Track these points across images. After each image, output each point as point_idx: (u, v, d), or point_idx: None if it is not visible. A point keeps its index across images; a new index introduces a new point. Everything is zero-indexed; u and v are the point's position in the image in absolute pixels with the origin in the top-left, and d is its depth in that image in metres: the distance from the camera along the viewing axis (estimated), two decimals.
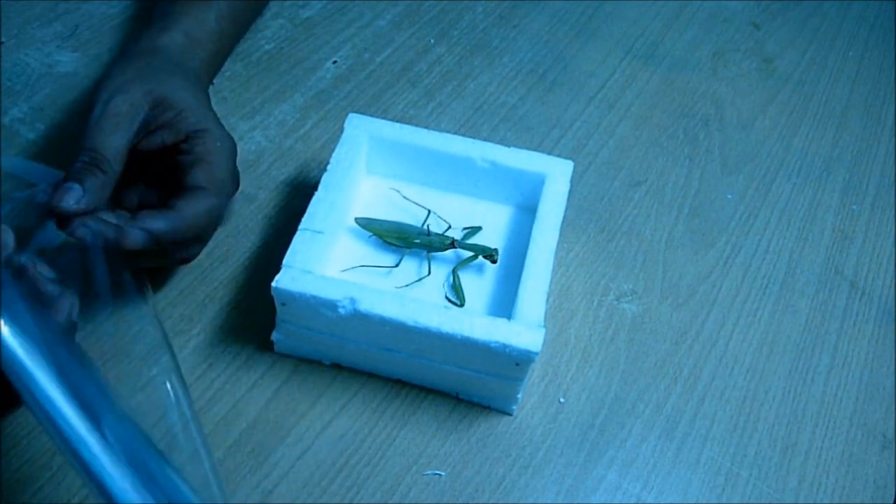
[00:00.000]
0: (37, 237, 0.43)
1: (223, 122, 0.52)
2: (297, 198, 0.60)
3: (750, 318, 0.58)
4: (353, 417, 0.50)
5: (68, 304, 0.39)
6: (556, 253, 0.52)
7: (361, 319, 0.47)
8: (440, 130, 0.57)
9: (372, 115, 0.58)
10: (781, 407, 0.54)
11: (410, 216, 0.57)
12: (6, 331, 0.34)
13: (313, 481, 0.47)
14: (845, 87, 0.78)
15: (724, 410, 0.53)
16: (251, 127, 0.65)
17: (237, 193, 0.55)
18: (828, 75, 0.79)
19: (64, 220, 0.44)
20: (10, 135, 0.61)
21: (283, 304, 0.48)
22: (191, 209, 0.47)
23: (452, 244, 0.54)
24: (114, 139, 0.46)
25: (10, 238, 0.38)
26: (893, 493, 0.51)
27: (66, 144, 0.61)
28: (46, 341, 0.35)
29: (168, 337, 0.44)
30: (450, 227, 0.56)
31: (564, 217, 0.53)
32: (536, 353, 0.46)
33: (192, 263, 0.52)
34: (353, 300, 0.47)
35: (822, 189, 0.69)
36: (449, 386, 0.51)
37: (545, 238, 0.52)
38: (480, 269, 0.55)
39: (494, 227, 0.57)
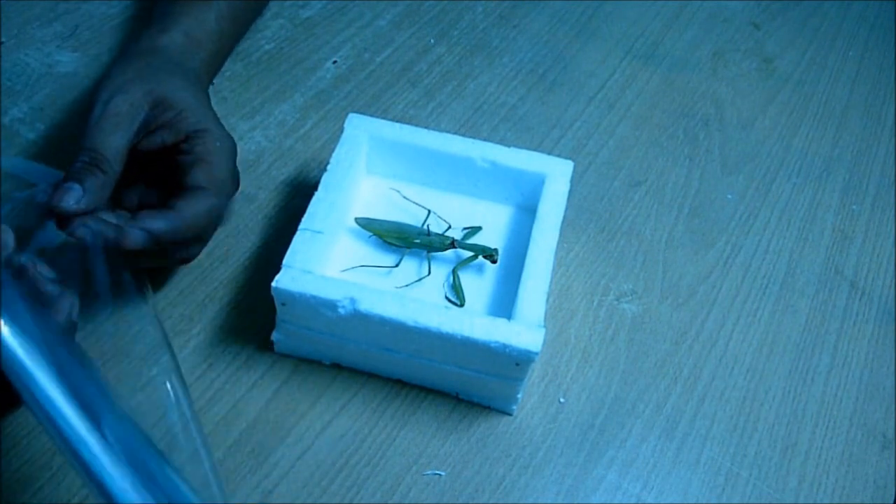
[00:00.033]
0: (37, 237, 0.43)
1: (223, 122, 0.52)
2: (297, 198, 0.60)
3: (750, 318, 0.58)
4: (353, 417, 0.50)
5: (68, 304, 0.39)
6: (556, 253, 0.52)
7: (361, 319, 0.47)
8: (440, 130, 0.57)
9: (372, 115, 0.58)
10: (781, 407, 0.54)
11: (410, 216, 0.57)
12: (6, 331, 0.34)
13: (313, 481, 0.47)
14: (845, 87, 0.78)
15: (724, 410, 0.53)
16: (251, 127, 0.65)
17: (237, 193, 0.55)
18: (828, 75, 0.79)
19: (64, 220, 0.44)
20: (10, 135, 0.61)
21: (283, 304, 0.48)
22: (191, 209, 0.47)
23: (452, 244, 0.54)
24: (114, 139, 0.46)
25: (10, 238, 0.38)
26: (893, 493, 0.51)
27: (66, 144, 0.61)
28: (46, 341, 0.35)
29: (168, 337, 0.44)
30: (450, 227, 0.56)
31: (564, 217, 0.53)
32: (536, 353, 0.46)
33: (192, 263, 0.52)
34: (353, 300, 0.47)
35: (822, 189, 0.69)
36: (449, 386, 0.51)
37: (545, 238, 0.52)
38: (480, 269, 0.55)
39: (494, 227, 0.57)
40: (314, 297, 0.47)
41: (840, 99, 0.77)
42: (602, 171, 0.67)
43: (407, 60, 0.73)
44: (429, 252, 0.55)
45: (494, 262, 0.54)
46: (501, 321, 0.47)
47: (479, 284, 0.54)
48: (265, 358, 0.52)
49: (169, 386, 0.41)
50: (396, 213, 0.57)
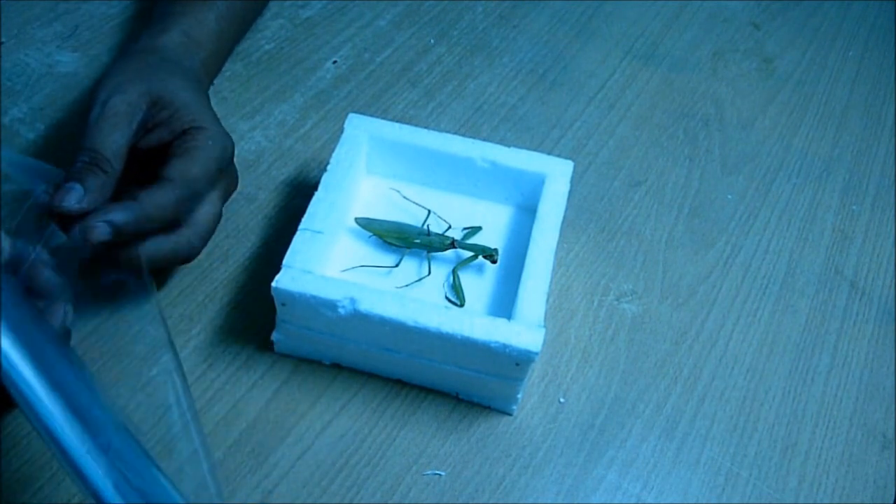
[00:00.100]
0: (46, 237, 0.43)
1: (223, 122, 0.52)
2: (297, 198, 0.60)
3: (750, 318, 0.58)
4: (353, 417, 0.50)
5: (62, 312, 0.39)
6: (556, 253, 0.52)
7: (361, 319, 0.47)
8: (440, 130, 0.57)
9: (372, 115, 0.58)
10: (781, 407, 0.54)
11: (410, 216, 0.57)
12: (3, 339, 0.34)
13: (313, 481, 0.47)
14: (845, 87, 0.78)
15: (724, 410, 0.53)
16: (251, 127, 0.65)
17: (235, 193, 0.55)
18: (828, 75, 0.79)
19: (65, 220, 0.44)
20: (10, 135, 0.61)
21: (283, 304, 0.48)
22: (152, 200, 0.46)
23: (452, 244, 0.54)
24: (113, 139, 0.46)
25: (7, 244, 0.38)
26: (893, 493, 0.51)
27: (66, 144, 0.61)
28: (40, 347, 0.35)
29: (171, 335, 0.44)
30: (450, 227, 0.56)
31: (564, 217, 0.53)
32: (536, 353, 0.46)
33: (192, 263, 0.52)
34: (353, 300, 0.47)
35: (822, 189, 0.69)
36: (449, 386, 0.51)
37: (545, 238, 0.52)
38: (480, 269, 0.55)
39: (494, 227, 0.57)
40: (314, 297, 0.47)
41: (840, 99, 0.77)
42: (602, 171, 0.67)
43: (407, 60, 0.73)
44: (429, 252, 0.55)
45: (494, 262, 0.54)
46: (501, 321, 0.47)
47: (479, 284, 0.54)
48: (265, 358, 0.52)
49: (170, 385, 0.41)
50: (396, 213, 0.57)
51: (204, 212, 0.50)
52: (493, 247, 0.54)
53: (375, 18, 0.76)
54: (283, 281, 0.47)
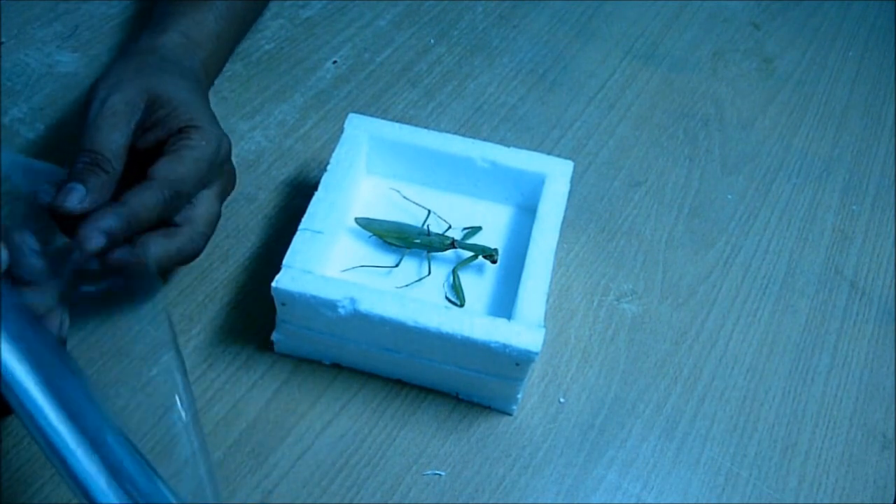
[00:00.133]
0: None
1: (223, 122, 0.52)
2: (297, 198, 0.60)
3: (750, 318, 0.58)
4: (353, 417, 0.50)
5: (58, 321, 0.39)
6: (556, 253, 0.52)
7: (361, 319, 0.47)
8: (440, 130, 0.57)
9: (372, 115, 0.58)
10: (781, 407, 0.54)
11: (410, 216, 0.57)
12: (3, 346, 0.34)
13: (313, 481, 0.47)
14: (845, 87, 0.78)
15: (724, 410, 0.53)
16: (251, 127, 0.65)
17: (235, 193, 0.55)
18: (828, 75, 0.79)
19: (66, 220, 0.44)
20: (10, 135, 0.61)
21: (283, 304, 0.48)
22: (139, 201, 0.46)
23: (452, 244, 0.54)
24: (113, 138, 0.46)
25: (5, 254, 0.38)
26: (893, 493, 0.51)
27: (66, 144, 0.61)
28: (37, 353, 0.35)
29: (175, 334, 0.44)
30: (450, 227, 0.56)
31: (564, 217, 0.53)
32: (536, 353, 0.46)
33: (193, 263, 0.52)
34: (353, 300, 0.47)
35: (822, 189, 0.69)
36: (449, 386, 0.51)
37: (545, 238, 0.52)
38: (480, 269, 0.55)
39: (494, 227, 0.57)
40: (314, 297, 0.47)
41: (840, 99, 0.77)
42: (602, 171, 0.67)
43: (407, 60, 0.73)
44: (429, 252, 0.55)
45: (494, 262, 0.54)
46: (501, 321, 0.47)
47: (479, 284, 0.54)
48: (265, 358, 0.52)
49: (171, 384, 0.41)
50: (396, 213, 0.57)
51: (203, 211, 0.50)
52: (493, 247, 0.54)
53: (375, 18, 0.76)
54: (283, 281, 0.47)
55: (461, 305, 0.52)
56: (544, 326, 0.47)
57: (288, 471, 0.47)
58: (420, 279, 0.54)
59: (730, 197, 0.66)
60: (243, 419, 0.49)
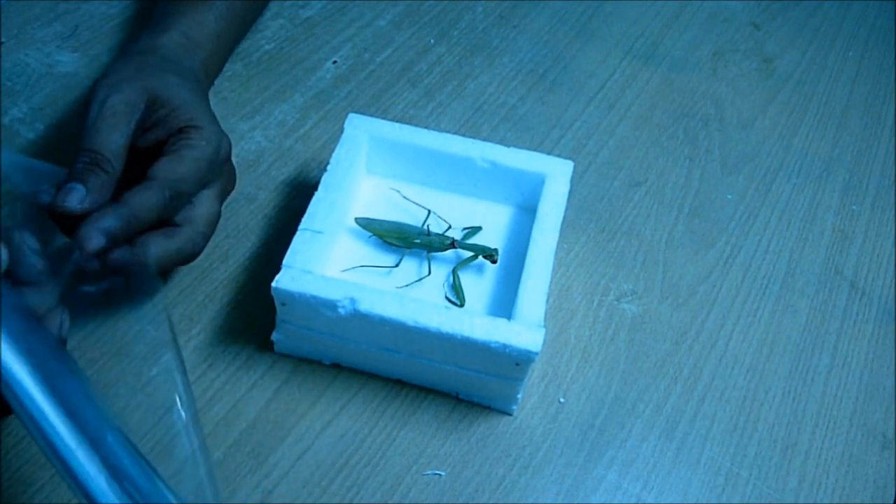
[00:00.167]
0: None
1: (223, 122, 0.52)
2: (297, 198, 0.60)
3: (750, 318, 0.58)
4: (353, 417, 0.50)
5: (58, 321, 0.39)
6: (556, 253, 0.52)
7: (361, 319, 0.47)
8: (440, 130, 0.57)
9: (372, 115, 0.58)
10: (781, 407, 0.54)
11: (410, 216, 0.57)
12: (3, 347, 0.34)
13: (313, 481, 0.47)
14: (845, 87, 0.78)
15: (724, 410, 0.53)
16: (251, 127, 0.65)
17: (235, 193, 0.55)
18: (828, 75, 0.79)
19: (66, 220, 0.44)
20: (10, 135, 0.61)
21: (283, 304, 0.48)
22: (139, 201, 0.46)
23: (452, 244, 0.54)
24: (113, 138, 0.46)
25: (5, 254, 0.38)
26: (893, 493, 0.51)
27: (66, 144, 0.61)
28: (38, 354, 0.35)
29: (175, 334, 0.44)
30: (450, 227, 0.56)
31: (564, 217, 0.53)
32: (536, 353, 0.46)
33: (193, 263, 0.52)
34: (353, 300, 0.47)
35: (822, 189, 0.69)
36: (449, 386, 0.51)
37: (545, 238, 0.52)
38: (480, 269, 0.55)
39: (494, 227, 0.57)
40: (314, 297, 0.47)
41: (840, 99, 0.77)
42: (602, 171, 0.67)
43: (407, 60, 0.73)
44: (429, 252, 0.55)
45: (494, 262, 0.54)
46: (501, 321, 0.47)
47: (479, 284, 0.54)
48: (265, 358, 0.52)
49: (171, 384, 0.41)
50: (396, 213, 0.57)
51: (203, 211, 0.50)
52: (493, 247, 0.54)
53: (375, 18, 0.76)
54: (283, 281, 0.47)
55: (461, 305, 0.52)
56: (544, 326, 0.47)
57: (288, 471, 0.47)
58: (420, 279, 0.54)
59: (730, 197, 0.66)
60: (243, 419, 0.49)
